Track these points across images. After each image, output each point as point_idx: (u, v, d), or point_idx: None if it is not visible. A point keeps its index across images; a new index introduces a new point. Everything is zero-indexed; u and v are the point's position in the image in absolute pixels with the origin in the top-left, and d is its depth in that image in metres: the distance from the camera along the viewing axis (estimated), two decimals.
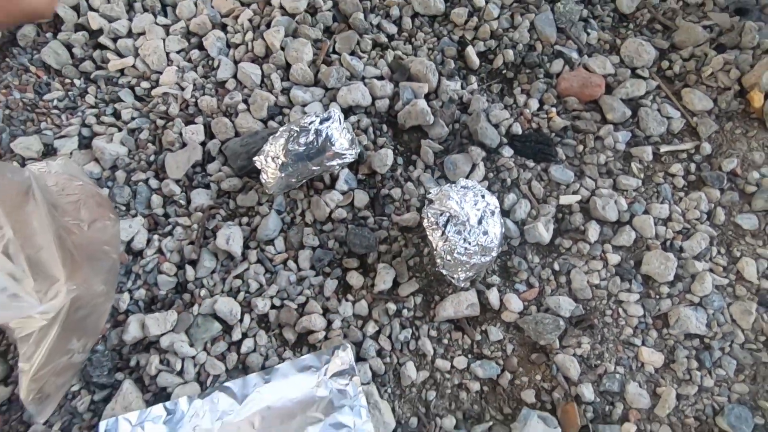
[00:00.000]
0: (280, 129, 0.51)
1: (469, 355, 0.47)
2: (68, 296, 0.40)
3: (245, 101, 0.60)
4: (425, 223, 0.46)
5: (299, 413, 0.43)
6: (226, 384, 0.45)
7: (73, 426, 0.47)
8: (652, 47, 0.59)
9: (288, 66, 0.61)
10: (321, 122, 0.49)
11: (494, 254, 0.46)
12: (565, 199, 0.52)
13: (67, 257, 0.43)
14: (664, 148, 0.55)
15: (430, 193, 0.47)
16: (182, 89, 0.61)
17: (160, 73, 0.62)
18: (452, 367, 0.47)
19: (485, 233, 0.45)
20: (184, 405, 0.44)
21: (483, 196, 0.45)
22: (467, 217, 0.44)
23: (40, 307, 0.39)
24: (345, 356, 0.45)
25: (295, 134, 0.49)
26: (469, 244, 0.44)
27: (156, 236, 0.53)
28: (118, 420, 0.43)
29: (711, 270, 0.49)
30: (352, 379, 0.44)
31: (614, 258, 0.50)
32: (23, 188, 0.43)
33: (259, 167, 0.51)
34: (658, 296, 0.49)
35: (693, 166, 0.54)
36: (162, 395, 0.47)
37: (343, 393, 0.43)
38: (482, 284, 0.49)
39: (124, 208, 0.55)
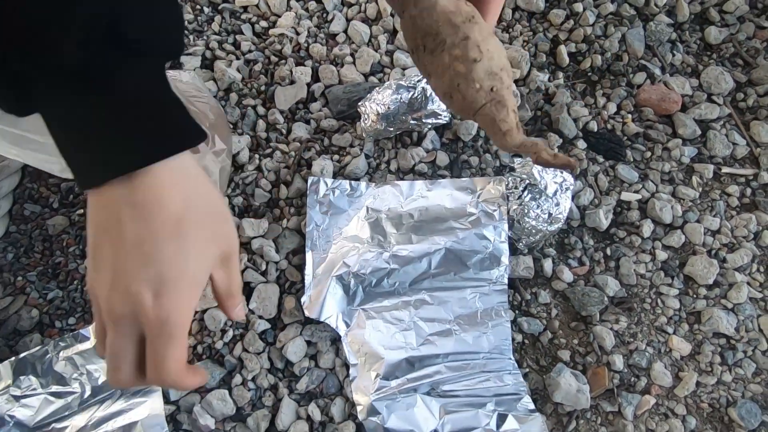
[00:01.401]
0: (389, 81, 0.57)
1: (517, 311, 0.53)
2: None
3: (352, 55, 0.66)
4: (504, 188, 0.52)
5: (451, 218, 0.52)
6: (397, 182, 0.55)
7: None
8: (731, 78, 0.64)
9: (395, 31, 0.67)
10: (427, 82, 0.55)
11: (560, 225, 0.52)
12: (626, 196, 0.58)
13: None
14: (725, 170, 0.60)
15: (513, 162, 0.53)
16: (297, 34, 0.67)
17: (279, 16, 0.69)
18: None
19: (557, 204, 0.50)
20: (363, 187, 0.55)
21: (561, 172, 0.51)
22: (545, 185, 0.50)
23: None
24: (498, 188, 0.53)
25: (403, 88, 0.55)
26: (541, 210, 0.50)
27: (257, 155, 0.60)
28: (320, 180, 0.55)
29: (748, 283, 0.54)
30: (500, 207, 0.52)
31: (662, 255, 0.55)
32: None
33: (362, 111, 0.58)
34: (695, 296, 0.54)
35: (749, 191, 0.59)
36: (245, 288, 0.54)
37: (490, 216, 0.52)
38: (539, 253, 0.55)
39: (232, 126, 0.62)
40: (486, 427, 0.44)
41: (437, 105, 0.56)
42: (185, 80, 0.58)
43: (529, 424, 0.45)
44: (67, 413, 0.46)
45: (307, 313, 0.47)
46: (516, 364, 0.48)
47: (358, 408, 0.45)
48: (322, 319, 0.47)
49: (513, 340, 0.51)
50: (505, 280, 0.51)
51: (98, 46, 0.27)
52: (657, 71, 0.65)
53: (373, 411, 0.44)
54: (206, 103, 0.59)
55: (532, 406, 0.46)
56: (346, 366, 0.50)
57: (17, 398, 0.45)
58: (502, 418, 0.45)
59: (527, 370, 0.50)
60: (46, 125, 0.29)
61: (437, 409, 0.44)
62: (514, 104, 0.34)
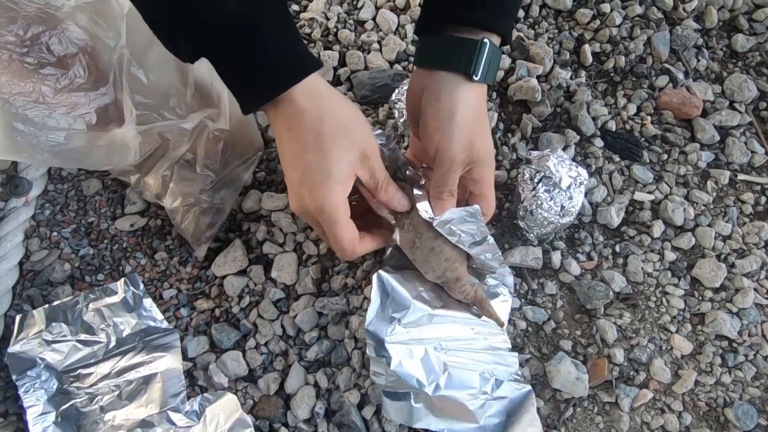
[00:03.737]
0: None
1: (523, 300, 0.54)
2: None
3: (379, 42, 0.68)
4: (519, 179, 0.54)
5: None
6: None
7: (188, 263, 0.57)
8: (755, 87, 0.64)
9: None
10: None
11: (571, 219, 0.53)
12: (639, 196, 0.58)
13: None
14: (741, 177, 0.60)
15: (530, 155, 0.54)
16: (327, 19, 0.69)
17: (310, 1, 0.71)
18: None
19: (570, 198, 0.51)
20: None
21: (577, 167, 0.52)
22: (560, 178, 0.51)
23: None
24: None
25: None
26: (554, 203, 0.51)
27: None
28: None
29: (755, 289, 0.54)
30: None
31: (671, 255, 0.56)
32: None
33: (397, 109, 0.59)
34: (701, 297, 0.55)
35: (764, 199, 0.59)
36: (264, 259, 0.56)
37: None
38: (548, 245, 0.56)
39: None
40: (482, 389, 0.46)
41: None
42: None
43: (519, 393, 0.48)
44: (92, 361, 0.49)
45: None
46: (508, 340, 0.50)
47: (369, 345, 0.46)
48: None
49: (515, 327, 0.53)
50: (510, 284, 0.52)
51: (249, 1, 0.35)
52: (680, 75, 0.65)
53: (382, 350, 0.45)
54: None
55: (522, 379, 0.49)
56: (355, 339, 0.52)
57: (48, 343, 0.49)
58: (498, 384, 0.47)
59: (529, 356, 0.52)
60: (213, 66, 0.39)
61: (442, 364, 0.46)
62: (466, 281, 0.47)
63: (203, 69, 0.54)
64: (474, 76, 0.42)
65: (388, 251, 0.51)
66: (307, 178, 0.39)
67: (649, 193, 0.59)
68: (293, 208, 0.43)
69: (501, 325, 0.48)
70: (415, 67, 0.47)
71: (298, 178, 0.40)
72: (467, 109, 0.43)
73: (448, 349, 0.47)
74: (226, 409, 0.47)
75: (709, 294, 0.55)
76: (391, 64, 0.67)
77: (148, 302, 0.51)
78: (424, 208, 0.45)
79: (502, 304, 0.50)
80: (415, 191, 0.46)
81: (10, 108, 0.46)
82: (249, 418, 0.47)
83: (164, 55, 0.51)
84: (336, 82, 0.66)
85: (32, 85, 0.47)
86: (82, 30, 0.49)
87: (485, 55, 0.42)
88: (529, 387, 0.48)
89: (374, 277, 0.47)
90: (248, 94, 0.40)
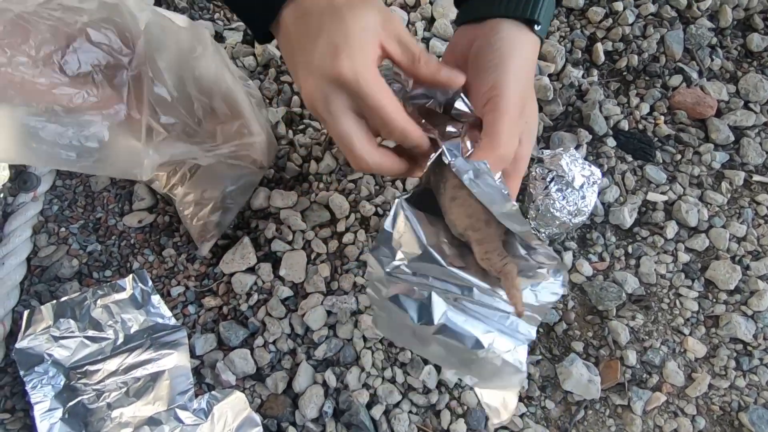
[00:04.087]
0: None
1: None
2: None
3: None
4: (531, 178, 0.53)
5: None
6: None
7: (195, 260, 0.56)
8: None
9: (433, 20, 0.68)
10: None
11: (583, 219, 0.52)
12: (652, 196, 0.58)
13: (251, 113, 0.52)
14: (756, 178, 0.59)
15: (542, 154, 0.53)
16: None
17: None
18: None
19: (583, 197, 0.51)
20: None
21: (590, 166, 0.52)
22: (572, 177, 0.50)
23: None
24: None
25: None
26: (567, 202, 0.51)
27: (290, 131, 0.62)
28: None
29: None
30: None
31: (684, 257, 0.55)
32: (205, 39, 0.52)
33: None
34: (715, 300, 0.54)
35: None
36: (272, 256, 0.56)
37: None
38: (559, 245, 0.56)
39: (269, 100, 0.64)
40: (475, 348, 0.37)
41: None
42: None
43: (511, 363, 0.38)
44: (100, 357, 0.49)
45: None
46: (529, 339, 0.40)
47: (370, 271, 0.39)
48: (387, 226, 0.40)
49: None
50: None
51: None
52: (694, 75, 0.64)
53: (381, 281, 0.38)
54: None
55: (523, 361, 0.39)
56: (364, 338, 0.51)
57: (56, 339, 0.48)
58: (493, 350, 0.38)
59: (540, 357, 0.51)
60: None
61: (443, 309, 0.38)
62: (493, 247, 0.37)
63: (228, 82, 0.53)
64: (536, 25, 0.36)
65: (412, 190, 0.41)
66: (325, 48, 0.32)
67: (663, 193, 0.58)
68: (309, 99, 0.34)
69: (518, 314, 0.36)
70: (457, 27, 0.40)
71: (312, 54, 0.33)
72: (526, 57, 0.36)
73: (457, 302, 0.38)
74: (234, 407, 0.46)
75: (723, 296, 0.54)
76: None
77: (156, 299, 0.51)
78: (449, 147, 0.35)
79: (544, 290, 0.39)
80: (449, 128, 0.37)
81: (22, 128, 0.45)
82: (257, 417, 0.47)
83: (185, 71, 0.50)
84: None
85: (45, 104, 0.46)
86: (95, 47, 0.49)
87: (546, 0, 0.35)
88: (523, 375, 0.38)
89: (393, 204, 0.38)
90: (257, 17, 0.35)
